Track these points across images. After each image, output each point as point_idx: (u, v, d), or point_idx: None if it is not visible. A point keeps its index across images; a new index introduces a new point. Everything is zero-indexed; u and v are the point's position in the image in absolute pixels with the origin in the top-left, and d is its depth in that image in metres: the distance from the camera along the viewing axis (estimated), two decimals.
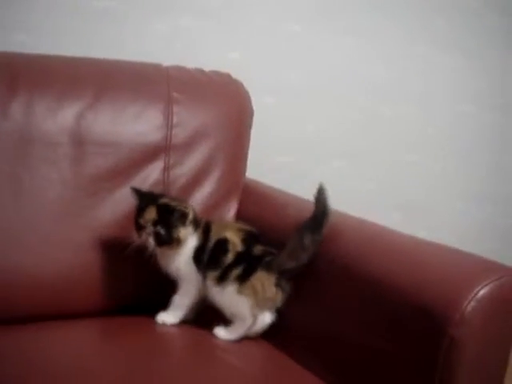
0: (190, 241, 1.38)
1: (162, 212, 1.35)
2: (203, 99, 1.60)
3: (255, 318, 1.34)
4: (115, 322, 1.41)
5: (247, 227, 1.43)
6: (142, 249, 1.35)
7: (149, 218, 1.35)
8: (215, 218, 1.51)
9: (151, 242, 1.35)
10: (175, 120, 1.53)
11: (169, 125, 1.52)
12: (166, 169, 1.52)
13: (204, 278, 1.37)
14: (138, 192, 1.40)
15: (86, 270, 1.42)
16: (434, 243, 1.25)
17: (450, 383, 1.05)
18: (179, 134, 1.53)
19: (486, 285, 1.06)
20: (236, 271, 1.34)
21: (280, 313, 1.37)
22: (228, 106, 1.62)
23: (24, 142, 1.40)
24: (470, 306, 1.04)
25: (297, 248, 1.33)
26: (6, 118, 1.39)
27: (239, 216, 1.59)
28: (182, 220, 1.36)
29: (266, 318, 1.36)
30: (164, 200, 1.39)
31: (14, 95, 1.41)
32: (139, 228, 1.36)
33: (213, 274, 1.36)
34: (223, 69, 1.68)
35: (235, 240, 1.37)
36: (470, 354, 1.05)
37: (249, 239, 1.38)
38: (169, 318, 1.39)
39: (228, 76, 1.67)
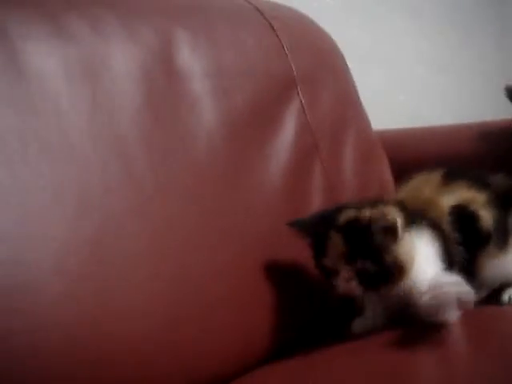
0: (423, 247, 0.89)
1: (352, 237, 0.86)
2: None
3: None
4: None
5: (440, 172, 1.00)
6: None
7: (337, 254, 0.87)
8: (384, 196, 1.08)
9: (356, 286, 0.87)
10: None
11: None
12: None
13: (469, 264, 0.92)
14: (298, 224, 0.94)
15: None
16: None
17: None
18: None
19: None
20: None
21: None
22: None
23: None
24: None
25: None
26: None
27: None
28: (390, 234, 0.85)
29: None
30: (346, 215, 0.88)
31: None
32: (327, 272, 0.89)
33: (486, 250, 0.94)
34: None
35: (465, 196, 0.95)
36: None
37: (475, 185, 0.96)
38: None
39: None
